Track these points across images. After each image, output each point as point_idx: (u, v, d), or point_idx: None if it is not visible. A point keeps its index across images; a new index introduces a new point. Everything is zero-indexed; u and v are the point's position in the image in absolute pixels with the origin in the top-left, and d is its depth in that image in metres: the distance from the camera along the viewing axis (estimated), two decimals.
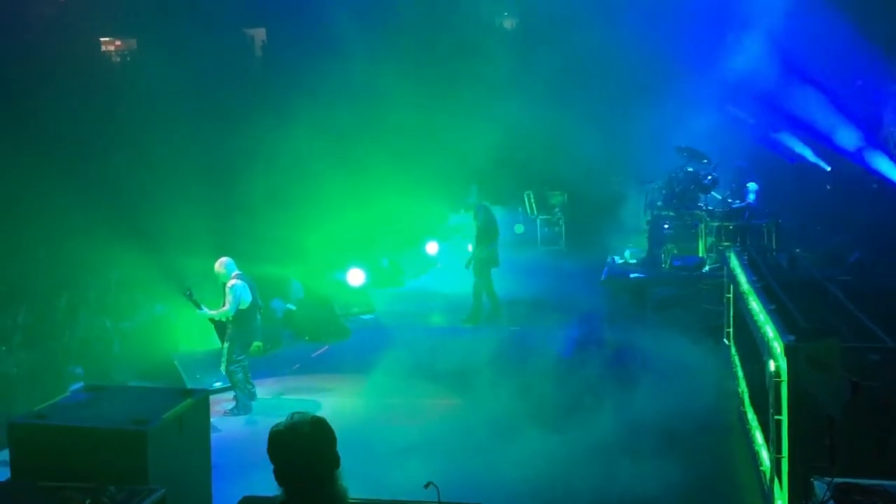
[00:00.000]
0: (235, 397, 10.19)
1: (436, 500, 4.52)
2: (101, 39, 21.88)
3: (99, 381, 9.99)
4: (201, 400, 6.47)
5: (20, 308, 11.47)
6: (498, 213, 15.77)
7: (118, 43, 22.74)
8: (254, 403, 10.25)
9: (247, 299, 10.08)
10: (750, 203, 13.57)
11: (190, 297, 10.10)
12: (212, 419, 7.72)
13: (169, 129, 14.77)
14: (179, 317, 11.99)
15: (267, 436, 3.56)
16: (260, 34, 23.70)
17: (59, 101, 15.16)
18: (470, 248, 14.81)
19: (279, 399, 10.72)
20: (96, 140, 14.53)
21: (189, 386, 10.29)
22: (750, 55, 16.23)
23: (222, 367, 10.21)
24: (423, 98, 17.45)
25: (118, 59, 22.29)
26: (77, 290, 12.52)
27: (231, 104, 16.96)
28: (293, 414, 3.62)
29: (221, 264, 10.23)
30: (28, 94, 15.07)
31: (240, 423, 9.86)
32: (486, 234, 13.98)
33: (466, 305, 14.18)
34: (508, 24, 24.92)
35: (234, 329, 10.12)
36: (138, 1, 18.80)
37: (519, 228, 13.04)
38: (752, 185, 13.81)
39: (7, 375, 10.49)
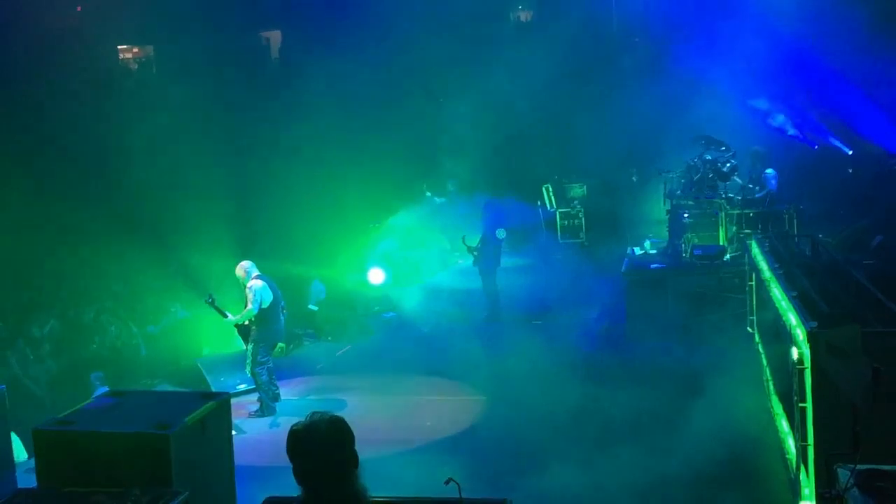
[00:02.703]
0: (259, 399, 10.25)
1: (457, 496, 4.52)
2: (119, 47, 22.07)
3: (126, 385, 10.12)
4: (224, 402, 6.50)
5: (49, 316, 11.62)
6: (515, 206, 15.72)
7: (136, 50, 22.94)
8: (278, 405, 10.32)
9: (268, 298, 10.11)
10: (770, 189, 13.42)
11: (212, 303, 10.14)
12: (235, 421, 7.80)
13: (187, 134, 14.89)
14: (203, 320, 12.08)
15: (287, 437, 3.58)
16: (276, 37, 23.81)
17: (78, 109, 15.34)
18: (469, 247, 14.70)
19: (303, 399, 10.79)
20: (116, 147, 14.66)
21: (213, 388, 10.39)
22: (770, 40, 16.04)
23: (247, 370, 10.27)
24: (440, 94, 17.49)
25: (136, 66, 22.48)
26: (104, 298, 12.67)
27: (249, 107, 17.06)
28: (312, 413, 3.63)
29: (242, 268, 10.27)
30: (48, 102, 15.25)
31: (263, 424, 9.94)
32: (491, 230, 14.02)
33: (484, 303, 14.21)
34: (524, 16, 24.85)
35: (258, 330, 10.16)
36: (155, 8, 18.92)
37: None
38: (770, 171, 13.64)
39: (36, 383, 10.65)
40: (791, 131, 17.53)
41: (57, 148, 14.75)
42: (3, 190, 12.60)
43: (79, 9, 19.76)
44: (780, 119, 17.68)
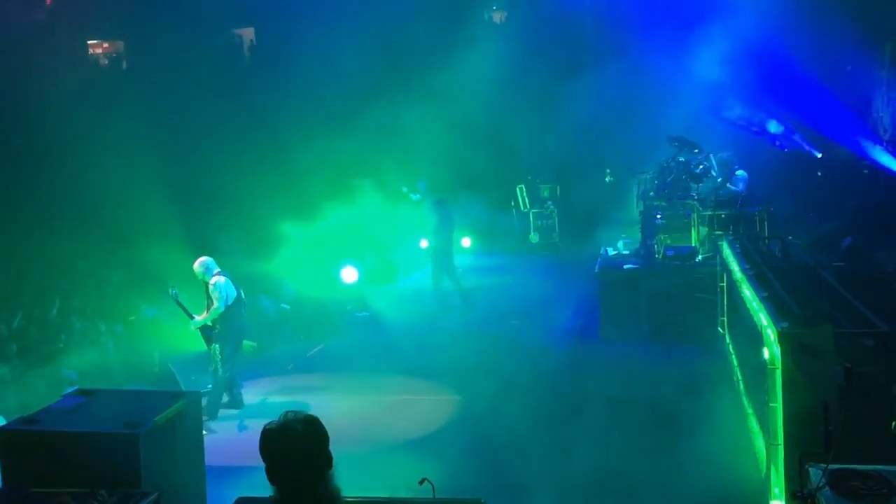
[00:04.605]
0: (208, 399, 9.79)
1: (431, 496, 4.50)
2: (89, 42, 21.79)
3: (94, 384, 9.93)
4: (194, 401, 6.44)
5: (14, 314, 11.41)
6: (487, 206, 15.90)
7: (106, 45, 22.66)
8: (248, 404, 10.21)
9: (232, 294, 9.95)
10: (740, 191, 13.56)
11: (176, 298, 9.96)
12: (206, 421, 7.71)
13: (156, 129, 14.72)
14: (172, 318, 11.92)
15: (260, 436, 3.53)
16: (248, 34, 23.63)
17: (46, 106, 15.09)
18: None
19: (273, 399, 10.68)
20: (82, 143, 14.44)
21: (183, 388, 10.24)
22: (738, 43, 16.21)
23: (215, 369, 10.05)
24: (412, 92, 17.45)
25: (106, 62, 22.20)
26: (70, 295, 12.47)
27: (219, 103, 16.89)
28: (286, 412, 3.59)
29: (201, 264, 9.97)
30: (15, 98, 15.00)
31: (234, 423, 9.83)
32: (443, 227, 14.68)
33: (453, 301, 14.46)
34: (498, 17, 24.88)
35: (222, 327, 9.95)
36: (125, 2, 18.70)
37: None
38: (740, 173, 13.79)
39: (2, 382, 10.44)
40: (762, 134, 17.74)
41: (22, 144, 14.51)
42: None
43: (48, 2, 19.49)
44: (750, 121, 17.89)
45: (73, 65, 18.39)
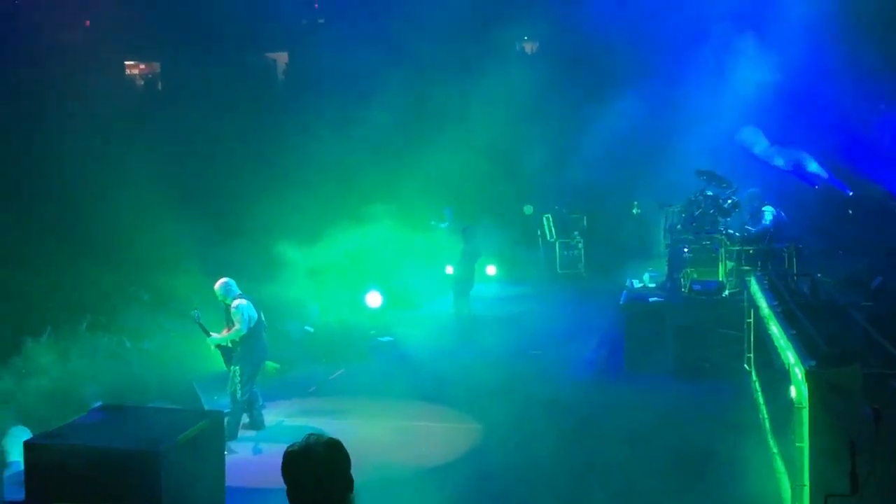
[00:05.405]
0: (227, 421, 9.89)
1: None
2: (126, 63, 22.22)
3: (118, 401, 10.01)
4: (217, 421, 6.46)
5: (44, 329, 11.54)
6: (512, 235, 15.89)
7: (142, 66, 23.10)
8: (269, 425, 10.22)
9: (254, 317, 10.02)
10: (769, 227, 13.44)
11: (197, 319, 10.04)
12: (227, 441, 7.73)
13: (186, 151, 14.90)
14: (198, 338, 12.01)
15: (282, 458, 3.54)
16: (282, 58, 23.99)
17: (85, 124, 15.36)
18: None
19: (294, 421, 10.68)
20: (119, 162, 14.67)
21: (206, 407, 10.29)
22: (769, 78, 16.18)
23: (229, 389, 10.08)
24: (440, 119, 17.57)
25: (142, 82, 22.62)
26: (98, 312, 12.60)
27: (250, 126, 17.11)
28: (309, 435, 3.59)
29: (222, 284, 10.05)
30: (54, 115, 15.29)
31: (254, 445, 9.84)
32: (467, 255, 14.83)
33: (479, 327, 14.53)
34: (529, 47, 25.03)
35: (243, 349, 10.00)
36: (162, 25, 19.05)
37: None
38: (769, 209, 13.67)
39: (30, 395, 10.54)
40: (792, 170, 17.62)
41: (59, 163, 14.75)
42: None
43: (87, 23, 19.90)
44: (780, 157, 17.79)
45: (109, 84, 18.74)
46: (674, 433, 9.34)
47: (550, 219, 19.71)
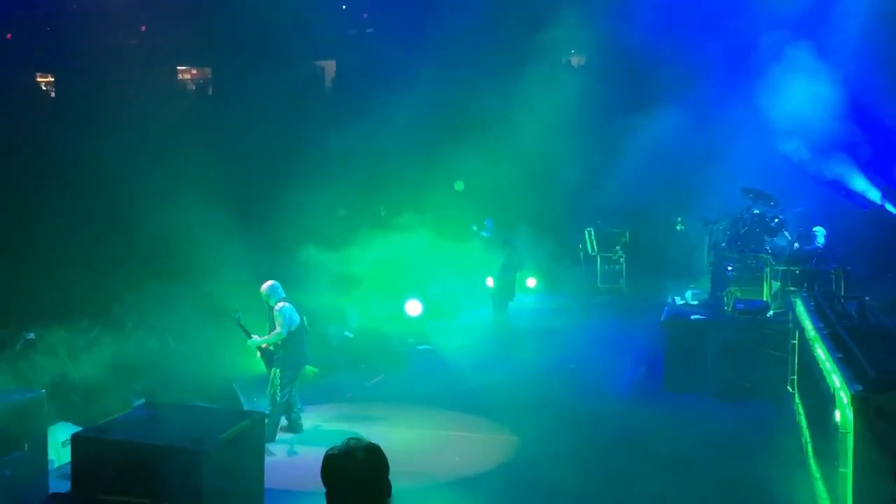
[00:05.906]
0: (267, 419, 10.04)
1: None
2: (178, 68, 22.67)
3: (161, 398, 10.18)
4: (258, 422, 6.54)
5: (93, 324, 11.78)
6: (554, 247, 15.86)
7: (194, 72, 23.54)
8: (306, 429, 10.32)
9: (295, 321, 10.17)
10: (818, 248, 13.22)
11: (238, 321, 10.20)
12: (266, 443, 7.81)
13: (237, 157, 15.11)
14: (239, 340, 12.16)
15: (321, 462, 3.57)
16: (331, 66, 24.26)
17: (138, 127, 15.69)
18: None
19: (331, 426, 10.76)
20: (168, 166, 14.95)
21: (246, 408, 10.41)
22: (819, 94, 15.89)
23: (268, 390, 10.20)
24: (485, 130, 17.60)
25: (193, 87, 23.05)
26: (143, 309, 12.82)
27: (298, 133, 17.32)
28: (349, 439, 3.61)
29: (268, 286, 10.22)
30: (110, 119, 15.64)
31: (292, 447, 9.92)
32: (509, 266, 14.93)
33: (518, 338, 14.50)
34: (576, 60, 24.99)
35: (284, 353, 10.15)
36: (214, 32, 19.40)
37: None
38: (819, 230, 13.45)
39: (74, 390, 10.76)
40: (842, 191, 17.31)
41: (111, 165, 15.07)
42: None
43: (143, 28, 20.36)
44: (829, 177, 17.49)
45: (162, 88, 19.14)
46: (715, 455, 9.21)
47: (592, 233, 19.60)
